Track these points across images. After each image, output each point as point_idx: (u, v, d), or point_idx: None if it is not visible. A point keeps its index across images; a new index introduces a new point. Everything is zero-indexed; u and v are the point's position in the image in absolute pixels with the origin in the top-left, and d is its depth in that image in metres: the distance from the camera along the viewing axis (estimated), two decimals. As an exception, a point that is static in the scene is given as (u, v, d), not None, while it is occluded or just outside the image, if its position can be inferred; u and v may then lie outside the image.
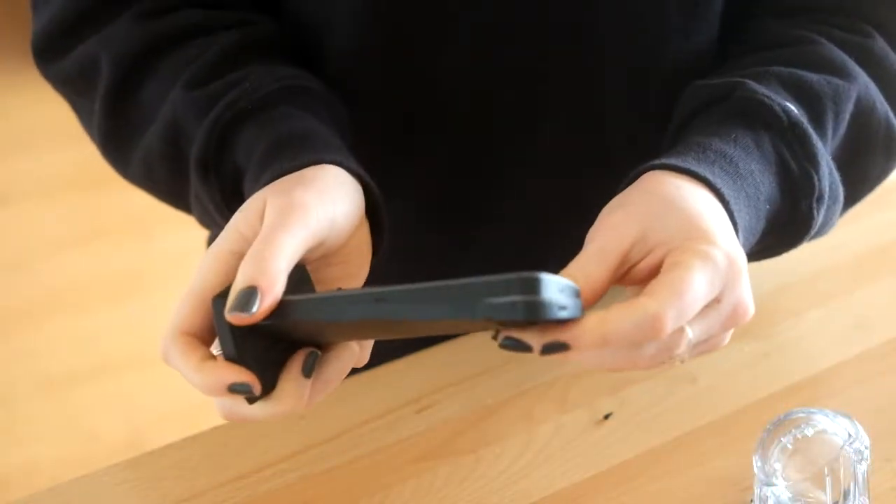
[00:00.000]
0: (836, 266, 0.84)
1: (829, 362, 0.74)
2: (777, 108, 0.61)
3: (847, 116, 0.65)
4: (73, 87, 0.70)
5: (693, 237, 0.52)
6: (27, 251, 2.25)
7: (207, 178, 0.62)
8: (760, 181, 0.59)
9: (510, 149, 0.73)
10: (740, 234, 0.56)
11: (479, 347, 0.76)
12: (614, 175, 0.76)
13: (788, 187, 0.61)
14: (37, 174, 2.47)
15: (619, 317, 0.48)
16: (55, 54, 0.69)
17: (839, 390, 0.64)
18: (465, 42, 0.68)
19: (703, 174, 0.56)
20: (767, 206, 0.59)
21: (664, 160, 0.58)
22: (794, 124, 0.61)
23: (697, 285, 0.49)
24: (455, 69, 0.69)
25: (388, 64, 0.69)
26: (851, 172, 0.66)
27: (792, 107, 0.62)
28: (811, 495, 0.59)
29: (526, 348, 0.48)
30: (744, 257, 0.53)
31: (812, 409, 0.60)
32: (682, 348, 0.51)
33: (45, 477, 1.71)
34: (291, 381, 0.51)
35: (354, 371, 0.74)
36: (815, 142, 0.61)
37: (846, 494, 0.59)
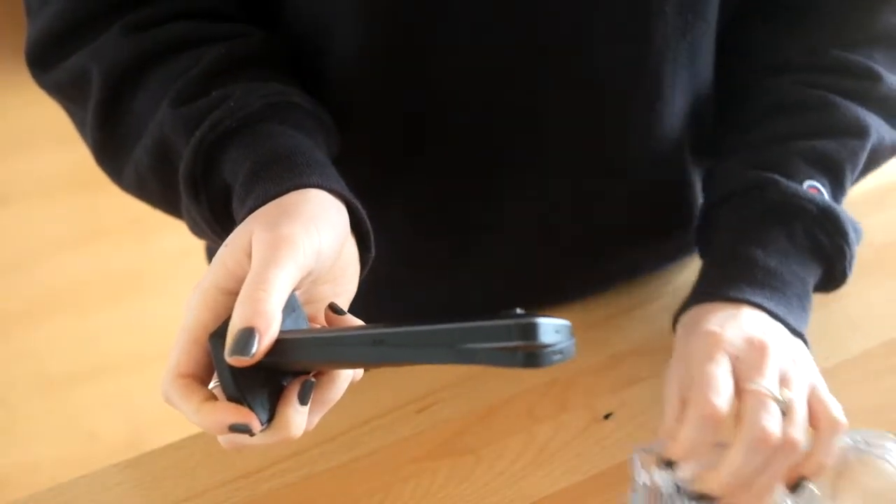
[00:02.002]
0: (836, 266, 0.84)
1: (829, 362, 0.74)
2: (806, 203, 0.70)
3: (861, 165, 0.73)
4: (66, 95, 0.70)
5: (690, 365, 0.63)
6: (27, 251, 2.25)
7: (197, 196, 0.62)
8: (804, 275, 0.69)
9: (511, 153, 0.73)
10: (797, 330, 0.67)
11: (478, 347, 0.76)
12: (615, 179, 0.76)
13: (825, 261, 0.71)
14: (37, 174, 2.47)
15: (680, 439, 0.60)
16: (48, 64, 0.69)
17: (839, 390, 0.64)
18: (466, 44, 0.68)
19: (751, 300, 0.66)
20: (812, 280, 0.70)
21: (717, 290, 0.68)
22: (822, 209, 0.70)
23: (702, 378, 0.61)
24: (456, 72, 0.69)
25: (389, 68, 0.69)
26: (860, 179, 0.76)
27: (818, 189, 0.71)
28: None
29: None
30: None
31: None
32: (769, 397, 0.60)
33: (45, 477, 1.71)
34: (290, 410, 0.51)
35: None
36: (842, 218, 0.70)
37: None
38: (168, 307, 2.10)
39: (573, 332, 0.47)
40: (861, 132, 0.73)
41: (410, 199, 0.75)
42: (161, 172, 0.64)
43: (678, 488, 0.61)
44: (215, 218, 0.63)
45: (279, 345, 0.50)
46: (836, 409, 0.61)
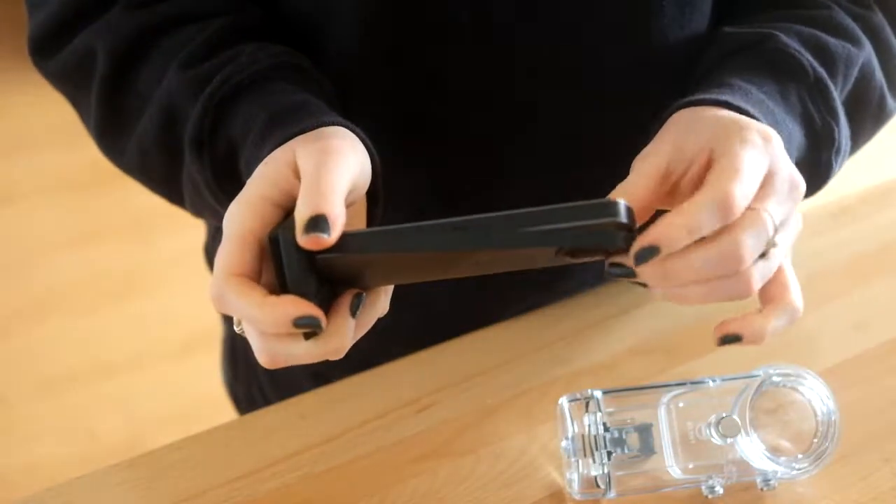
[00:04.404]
0: (836, 266, 0.84)
1: (829, 363, 0.74)
2: (805, 62, 0.64)
3: (852, 80, 0.68)
4: (70, 80, 0.70)
5: (727, 132, 0.56)
6: (27, 251, 2.25)
7: (201, 156, 0.63)
8: (791, 128, 0.63)
9: (510, 148, 0.73)
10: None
11: (479, 347, 0.76)
12: (614, 171, 0.76)
13: (812, 138, 0.64)
14: (37, 174, 2.47)
15: (690, 208, 0.52)
16: (52, 51, 0.70)
17: (839, 390, 0.64)
18: (466, 42, 0.68)
19: (745, 107, 0.59)
20: (796, 153, 0.63)
21: (703, 95, 0.61)
22: (818, 79, 0.65)
23: (747, 160, 0.54)
24: (454, 68, 0.69)
25: (386, 64, 0.69)
26: (848, 108, 0.69)
27: (816, 62, 0.65)
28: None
29: (628, 272, 0.53)
30: (777, 135, 0.57)
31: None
32: (770, 228, 0.54)
33: (46, 477, 1.71)
34: (340, 320, 0.51)
35: (354, 371, 0.74)
36: (835, 97, 0.65)
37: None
38: (168, 307, 2.10)
39: None
40: (856, 41, 0.68)
41: (405, 190, 0.75)
42: (166, 143, 0.65)
43: (606, 427, 0.62)
44: (216, 180, 0.63)
45: (347, 240, 0.49)
46: (797, 294, 0.57)
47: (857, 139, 0.72)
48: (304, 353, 0.51)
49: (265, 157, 0.56)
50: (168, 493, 0.65)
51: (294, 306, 0.49)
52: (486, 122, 0.71)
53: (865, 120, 0.71)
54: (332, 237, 0.49)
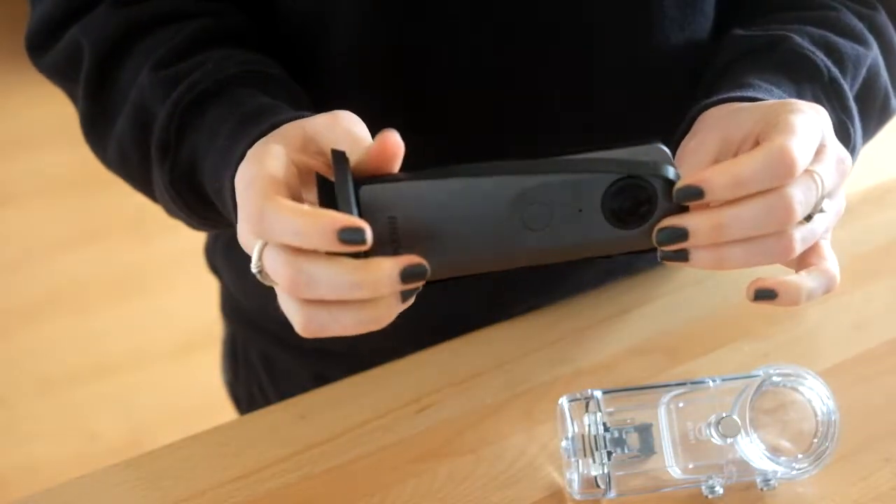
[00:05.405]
0: (836, 266, 0.84)
1: (829, 362, 0.74)
2: (820, 62, 0.65)
3: (860, 80, 0.69)
4: (63, 76, 0.71)
5: (777, 111, 0.56)
6: (27, 251, 2.25)
7: (164, 160, 0.63)
8: None
9: (511, 147, 0.72)
10: None
11: (479, 348, 0.76)
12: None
13: None
14: (37, 174, 2.47)
15: (748, 157, 0.52)
16: (46, 48, 0.70)
17: (839, 390, 0.64)
18: (466, 42, 0.68)
19: (765, 99, 0.59)
20: None
21: (728, 94, 0.61)
22: (833, 79, 0.65)
23: (801, 122, 0.54)
24: (453, 68, 0.69)
25: (386, 64, 0.69)
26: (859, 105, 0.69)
27: (829, 62, 0.66)
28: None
29: (678, 233, 0.52)
30: (824, 110, 0.58)
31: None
32: (819, 188, 0.54)
33: (45, 477, 1.71)
34: (384, 262, 0.49)
35: (354, 371, 0.74)
36: (849, 96, 0.66)
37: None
38: (168, 307, 2.10)
39: None
40: (864, 41, 0.69)
41: None
42: (141, 142, 0.65)
43: (606, 427, 0.62)
44: (173, 186, 0.63)
45: (394, 174, 0.50)
46: (834, 265, 0.58)
47: (863, 136, 0.72)
48: (336, 273, 0.48)
49: (238, 156, 0.55)
50: (168, 493, 0.65)
51: (341, 216, 0.47)
52: (486, 121, 0.71)
53: (871, 119, 0.71)
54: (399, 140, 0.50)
